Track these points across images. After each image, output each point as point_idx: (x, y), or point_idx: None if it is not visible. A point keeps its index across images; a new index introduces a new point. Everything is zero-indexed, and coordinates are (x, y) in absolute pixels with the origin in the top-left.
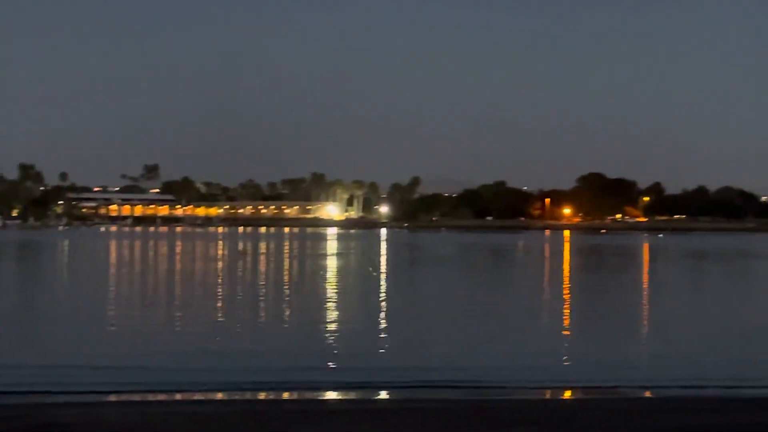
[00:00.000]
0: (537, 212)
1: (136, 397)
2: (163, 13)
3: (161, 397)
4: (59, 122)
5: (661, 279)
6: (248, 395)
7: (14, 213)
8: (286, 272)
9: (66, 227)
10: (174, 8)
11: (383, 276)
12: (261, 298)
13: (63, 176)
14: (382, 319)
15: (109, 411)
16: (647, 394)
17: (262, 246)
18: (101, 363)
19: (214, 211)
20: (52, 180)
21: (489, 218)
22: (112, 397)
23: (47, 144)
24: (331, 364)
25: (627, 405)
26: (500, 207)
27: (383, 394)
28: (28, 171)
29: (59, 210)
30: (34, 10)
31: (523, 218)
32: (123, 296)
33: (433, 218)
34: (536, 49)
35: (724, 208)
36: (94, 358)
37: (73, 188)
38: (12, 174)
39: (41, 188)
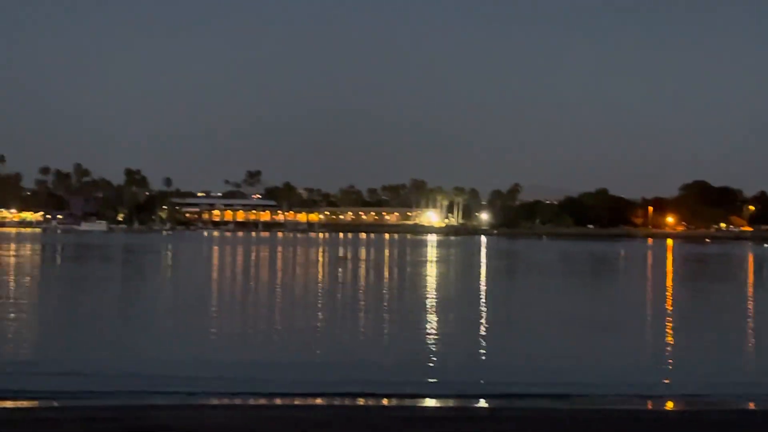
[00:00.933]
0: (639, 220)
1: (236, 401)
2: (265, 21)
3: (261, 401)
4: (164, 128)
5: (767, 290)
6: (347, 401)
7: (120, 217)
8: (386, 279)
9: (170, 232)
10: (275, 17)
11: (483, 284)
12: (361, 304)
13: (167, 181)
14: (482, 327)
15: (207, 413)
16: (750, 405)
17: (363, 252)
18: (201, 366)
19: (315, 216)
20: (156, 185)
21: (590, 226)
22: (212, 400)
23: (152, 149)
24: (430, 372)
25: (729, 417)
26: (602, 215)
27: (482, 403)
28: (133, 176)
29: (163, 215)
30: (139, 19)
31: (625, 226)
32: (225, 300)
33: (535, 225)
34: (641, 56)
35: None
36: (193, 361)
37: (177, 193)
38: (118, 179)
39: (146, 193)
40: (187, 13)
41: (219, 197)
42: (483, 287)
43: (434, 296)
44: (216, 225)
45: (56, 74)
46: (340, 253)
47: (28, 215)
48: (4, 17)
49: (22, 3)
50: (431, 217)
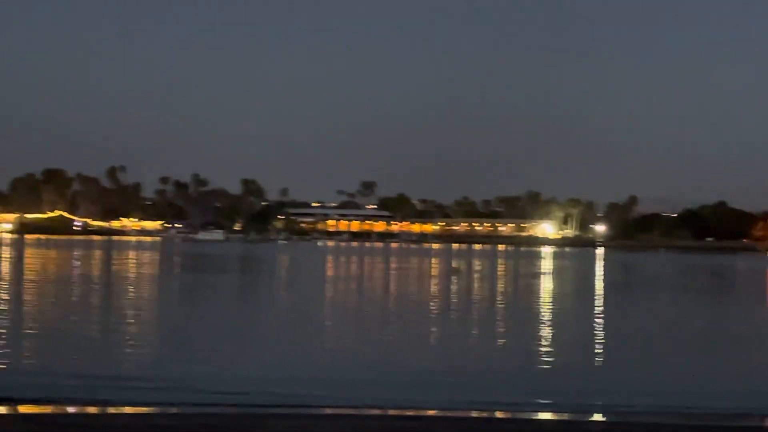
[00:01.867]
0: (760, 234)
1: (349, 411)
2: (380, 33)
3: (374, 411)
4: (280, 139)
5: None
6: (459, 413)
7: (236, 227)
8: (500, 290)
9: (285, 241)
10: (392, 29)
11: (601, 296)
12: (475, 316)
13: (283, 191)
14: (598, 340)
15: (319, 424)
16: None
17: (477, 263)
18: (313, 376)
19: (429, 227)
20: (273, 195)
21: (709, 239)
22: (325, 410)
23: (269, 160)
24: (545, 385)
25: None
26: (721, 228)
27: (595, 416)
28: (250, 186)
29: (279, 224)
30: (258, 37)
31: (746, 240)
32: (339, 310)
33: (652, 238)
34: (758, 63)
35: None
36: (310, 373)
37: (292, 203)
38: (235, 189)
39: (262, 203)
40: (303, 26)
41: (334, 207)
42: (600, 300)
43: (550, 308)
44: (330, 235)
45: (168, 86)
46: (454, 264)
47: (148, 224)
48: (146, 32)
49: (161, 19)
50: (546, 228)
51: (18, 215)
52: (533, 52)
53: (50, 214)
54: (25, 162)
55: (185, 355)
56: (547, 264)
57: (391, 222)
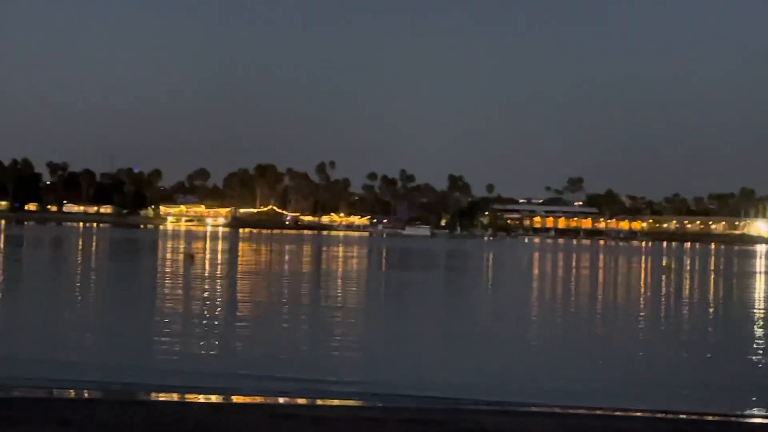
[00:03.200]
0: None
1: (556, 410)
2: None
3: (581, 410)
4: (487, 134)
5: None
6: (667, 415)
7: (442, 222)
8: (711, 290)
9: (491, 237)
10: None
11: None
12: (684, 316)
13: (489, 188)
14: None
15: (529, 420)
16: None
17: (687, 262)
18: (526, 376)
19: (638, 225)
20: (479, 191)
21: None
22: (533, 408)
23: (476, 156)
24: (751, 389)
25: None
26: None
27: None
28: (456, 182)
29: (485, 220)
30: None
31: None
32: (549, 309)
33: None
34: None
35: None
36: (518, 370)
37: (498, 199)
38: (441, 185)
39: (469, 199)
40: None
41: (540, 204)
42: None
43: (760, 311)
44: (537, 231)
45: (373, 80)
46: (664, 262)
47: (356, 219)
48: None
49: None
50: (761, 227)
51: (231, 209)
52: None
53: (262, 209)
54: (239, 158)
55: (393, 350)
56: (762, 263)
57: (599, 219)
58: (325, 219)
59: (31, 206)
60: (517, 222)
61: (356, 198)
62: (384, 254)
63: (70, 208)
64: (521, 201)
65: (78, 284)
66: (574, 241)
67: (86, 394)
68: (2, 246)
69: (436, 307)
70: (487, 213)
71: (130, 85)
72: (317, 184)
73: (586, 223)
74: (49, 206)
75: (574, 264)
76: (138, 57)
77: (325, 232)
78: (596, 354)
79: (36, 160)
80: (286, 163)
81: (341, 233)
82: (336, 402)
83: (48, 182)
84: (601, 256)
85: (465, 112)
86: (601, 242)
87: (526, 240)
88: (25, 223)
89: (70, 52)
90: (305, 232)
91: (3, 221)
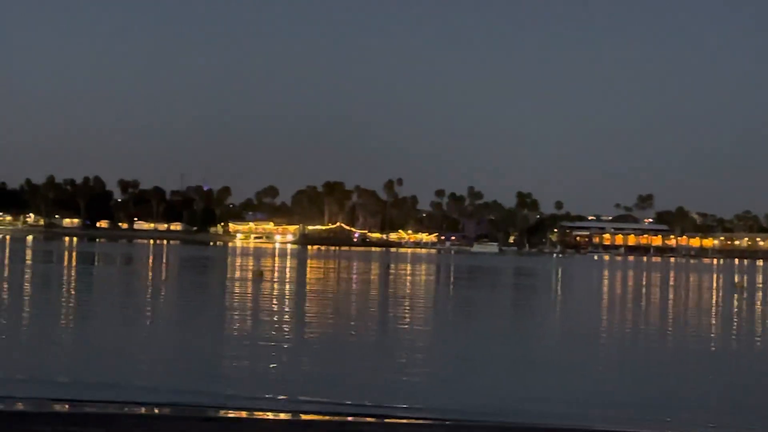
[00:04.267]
0: None
1: (630, 428)
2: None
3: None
4: (555, 151)
5: None
6: None
7: (510, 239)
8: None
9: (560, 254)
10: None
11: None
12: (758, 336)
13: (558, 205)
14: None
15: None
16: None
17: (760, 279)
18: (594, 396)
19: (709, 242)
20: (547, 208)
21: None
22: (598, 425)
23: (544, 173)
24: None
25: None
26: None
27: None
28: (524, 199)
29: (554, 237)
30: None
31: None
32: (624, 326)
33: None
34: None
35: None
36: (584, 391)
37: (567, 216)
38: (509, 202)
39: (537, 216)
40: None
41: (609, 221)
42: None
43: None
44: (606, 249)
45: (443, 100)
46: (735, 279)
47: (424, 236)
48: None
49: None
50: None
51: (299, 226)
52: None
53: (330, 226)
54: (307, 175)
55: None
56: None
57: (670, 236)
58: (393, 236)
59: (103, 223)
60: (586, 239)
61: (424, 215)
62: (452, 271)
63: (140, 225)
64: (590, 218)
65: (156, 301)
66: (644, 259)
67: (156, 411)
68: (77, 263)
69: (517, 328)
70: (555, 230)
71: (199, 104)
72: (385, 202)
73: (656, 241)
74: (120, 223)
75: (644, 281)
76: (206, 77)
77: (393, 249)
78: (661, 373)
79: (108, 178)
80: (354, 181)
81: (409, 250)
82: (404, 420)
83: (119, 200)
84: (672, 274)
85: (533, 129)
86: (672, 260)
87: (596, 257)
88: (97, 240)
89: (141, 72)
90: (373, 249)
91: (75, 238)
